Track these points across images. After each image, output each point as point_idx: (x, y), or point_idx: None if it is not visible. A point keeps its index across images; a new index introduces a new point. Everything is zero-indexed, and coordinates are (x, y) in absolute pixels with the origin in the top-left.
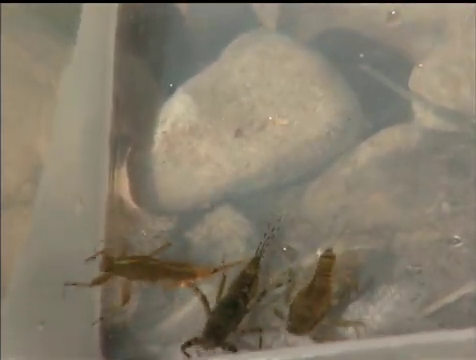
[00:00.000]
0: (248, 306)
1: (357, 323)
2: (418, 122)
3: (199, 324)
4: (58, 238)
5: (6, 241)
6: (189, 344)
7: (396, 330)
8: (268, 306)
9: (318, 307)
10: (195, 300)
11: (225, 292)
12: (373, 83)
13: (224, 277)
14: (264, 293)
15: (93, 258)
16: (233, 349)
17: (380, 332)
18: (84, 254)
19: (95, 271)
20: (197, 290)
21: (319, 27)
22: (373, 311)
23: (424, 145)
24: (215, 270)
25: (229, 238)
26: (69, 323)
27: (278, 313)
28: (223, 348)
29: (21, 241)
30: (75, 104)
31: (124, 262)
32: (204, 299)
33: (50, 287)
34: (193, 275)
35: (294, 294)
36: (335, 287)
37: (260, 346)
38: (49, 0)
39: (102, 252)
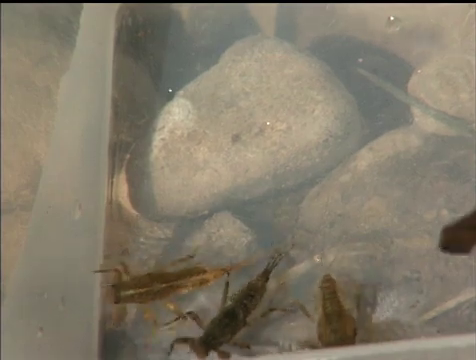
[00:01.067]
0: (248, 319)
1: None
2: (417, 127)
3: (198, 331)
4: (57, 244)
5: (5, 246)
6: (183, 341)
7: (395, 336)
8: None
9: (346, 327)
10: (194, 304)
11: (228, 302)
12: (372, 88)
13: (227, 284)
14: (272, 310)
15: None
16: (226, 356)
17: (379, 338)
18: (83, 259)
19: (94, 277)
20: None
21: (318, 32)
22: (372, 318)
23: (423, 150)
24: (225, 270)
25: (229, 245)
26: (68, 329)
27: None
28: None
29: (20, 246)
30: (74, 110)
31: (131, 292)
32: (227, 285)
33: (49, 293)
34: (205, 281)
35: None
36: (347, 304)
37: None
38: (49, 0)
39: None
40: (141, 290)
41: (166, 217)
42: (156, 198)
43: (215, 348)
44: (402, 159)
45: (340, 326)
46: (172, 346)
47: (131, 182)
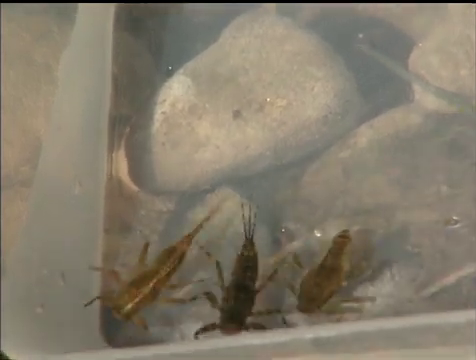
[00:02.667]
0: (257, 287)
1: (369, 298)
2: (418, 103)
3: (198, 304)
4: (57, 219)
5: (6, 222)
6: (205, 330)
7: (395, 311)
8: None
9: (328, 286)
10: (193, 280)
11: (230, 278)
12: (372, 63)
13: (218, 263)
14: (276, 272)
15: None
16: (262, 327)
17: (379, 313)
18: (83, 235)
19: (95, 252)
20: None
21: (318, 8)
22: (372, 292)
23: (424, 127)
24: (188, 237)
25: (230, 219)
26: (69, 305)
27: (292, 288)
28: (248, 329)
29: (20, 222)
30: (74, 85)
31: (130, 306)
32: (218, 264)
33: (49, 269)
34: (182, 254)
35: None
36: (346, 267)
37: (284, 323)
38: (49, 0)
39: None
40: (136, 299)
41: (167, 191)
42: (157, 173)
43: (243, 322)
44: (402, 136)
45: (324, 283)
46: (197, 335)
47: (131, 157)
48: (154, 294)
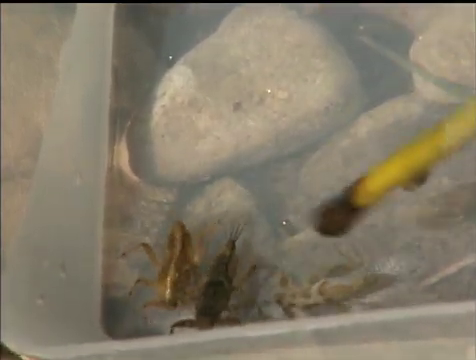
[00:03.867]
0: (234, 283)
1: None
2: (419, 94)
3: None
4: (58, 210)
5: (6, 213)
6: (181, 324)
7: (395, 302)
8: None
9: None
10: None
11: (205, 277)
12: (373, 55)
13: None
14: (254, 268)
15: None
16: (236, 321)
17: (379, 304)
18: (84, 226)
19: (95, 243)
20: None
21: None
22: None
23: (425, 117)
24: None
25: (229, 210)
26: (69, 297)
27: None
28: (223, 324)
29: (21, 213)
30: (75, 77)
31: (173, 295)
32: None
33: (50, 260)
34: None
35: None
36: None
37: (260, 315)
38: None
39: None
40: (177, 285)
41: (167, 183)
42: (157, 165)
43: (216, 317)
44: (403, 126)
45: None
46: (172, 331)
47: (132, 149)
48: (188, 276)
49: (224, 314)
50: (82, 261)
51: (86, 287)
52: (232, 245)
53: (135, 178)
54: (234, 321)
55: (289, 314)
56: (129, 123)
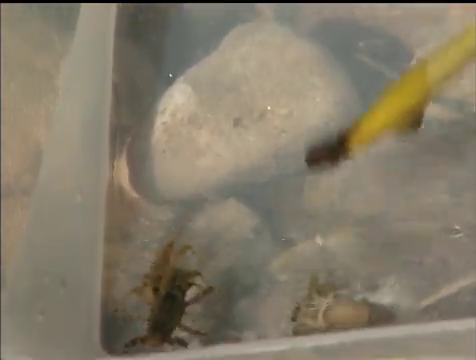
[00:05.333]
0: (187, 299)
1: None
2: None
3: (199, 313)
4: (58, 227)
5: (6, 230)
6: (133, 343)
7: (395, 320)
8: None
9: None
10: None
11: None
12: (373, 72)
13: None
14: (211, 288)
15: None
16: (183, 344)
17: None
18: (84, 243)
19: (96, 260)
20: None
21: (318, 17)
22: (373, 301)
23: (424, 134)
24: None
25: (230, 227)
26: (69, 313)
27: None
28: (172, 344)
29: (21, 230)
30: (75, 94)
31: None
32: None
33: (50, 277)
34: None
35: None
36: None
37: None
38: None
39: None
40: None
41: (167, 200)
42: (157, 182)
43: (168, 334)
44: (401, 143)
45: None
46: (125, 351)
47: (132, 166)
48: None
49: (175, 332)
50: (82, 277)
51: (86, 303)
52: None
53: (135, 195)
54: (183, 343)
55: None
56: (129, 139)
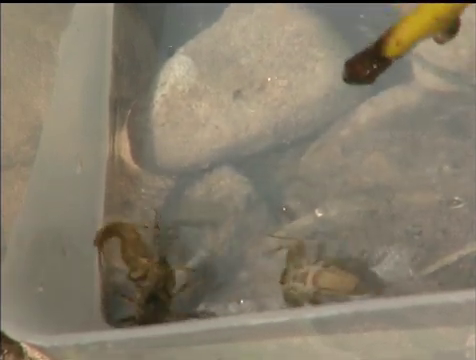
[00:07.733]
0: (170, 292)
1: None
2: (418, 83)
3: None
4: (58, 198)
5: (6, 201)
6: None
7: (395, 290)
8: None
9: None
10: (193, 260)
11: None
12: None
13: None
14: (185, 286)
15: None
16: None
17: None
18: (84, 214)
19: (95, 231)
20: None
21: None
22: (373, 271)
23: (424, 106)
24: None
25: (229, 196)
26: (69, 284)
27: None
28: None
29: (21, 201)
30: (75, 65)
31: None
32: None
33: (50, 248)
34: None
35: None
36: None
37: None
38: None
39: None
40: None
41: (167, 171)
42: (157, 153)
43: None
44: (402, 114)
45: None
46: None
47: (132, 138)
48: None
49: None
50: (82, 249)
51: (86, 273)
52: (164, 263)
53: (136, 167)
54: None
55: (288, 299)
56: (130, 112)
